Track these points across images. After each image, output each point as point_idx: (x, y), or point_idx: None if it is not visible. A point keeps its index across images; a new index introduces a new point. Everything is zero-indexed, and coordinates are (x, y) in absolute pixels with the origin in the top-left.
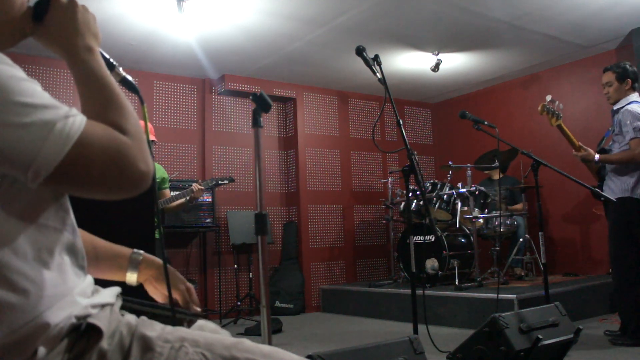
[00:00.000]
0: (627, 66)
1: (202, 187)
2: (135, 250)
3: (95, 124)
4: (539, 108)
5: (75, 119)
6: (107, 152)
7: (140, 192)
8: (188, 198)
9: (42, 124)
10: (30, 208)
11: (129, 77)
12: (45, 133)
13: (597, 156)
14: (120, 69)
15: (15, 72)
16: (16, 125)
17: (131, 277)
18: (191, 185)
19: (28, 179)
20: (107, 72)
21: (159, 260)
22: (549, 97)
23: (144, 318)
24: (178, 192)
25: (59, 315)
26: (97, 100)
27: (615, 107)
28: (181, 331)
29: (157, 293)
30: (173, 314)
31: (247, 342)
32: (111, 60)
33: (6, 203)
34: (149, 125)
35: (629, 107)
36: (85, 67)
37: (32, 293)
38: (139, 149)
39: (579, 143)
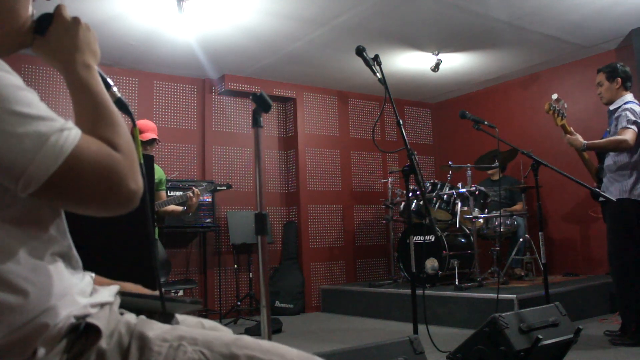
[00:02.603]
0: (618, 65)
1: (198, 195)
2: (88, 273)
3: (90, 139)
4: (546, 106)
5: (70, 133)
6: (98, 168)
7: (129, 210)
8: (185, 208)
9: (36, 135)
10: (25, 214)
11: (124, 99)
12: (38, 145)
13: (584, 142)
14: (116, 89)
15: (13, 81)
16: (10, 135)
17: None
18: (187, 193)
19: (18, 189)
20: (103, 89)
21: (110, 281)
22: (555, 96)
23: (142, 317)
24: (175, 195)
25: (59, 315)
26: (90, 115)
27: (611, 108)
28: (180, 330)
29: None
30: (162, 304)
31: (246, 339)
32: (108, 80)
33: (1, 208)
34: (152, 123)
35: (626, 105)
36: (82, 82)
37: (32, 293)
38: (130, 167)
39: (571, 128)
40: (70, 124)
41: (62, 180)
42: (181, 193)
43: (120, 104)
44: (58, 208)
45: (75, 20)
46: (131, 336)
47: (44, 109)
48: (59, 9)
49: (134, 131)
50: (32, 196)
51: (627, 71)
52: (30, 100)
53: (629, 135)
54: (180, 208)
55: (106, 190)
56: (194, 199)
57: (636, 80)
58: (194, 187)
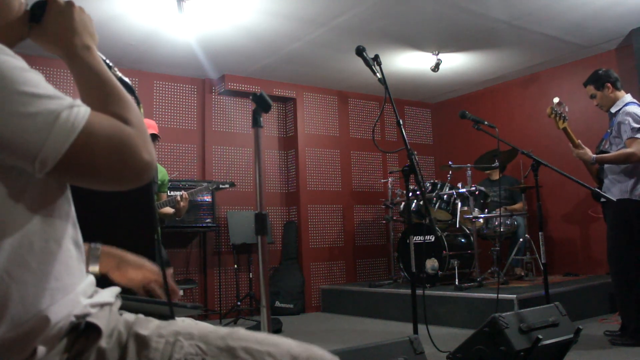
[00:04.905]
0: (600, 72)
1: (186, 199)
2: (93, 244)
3: (100, 114)
4: (548, 111)
5: (79, 109)
6: (111, 141)
7: (144, 182)
8: (174, 211)
9: (47, 113)
10: (38, 199)
11: (126, 79)
12: (50, 122)
13: (593, 156)
14: (117, 69)
15: (18, 63)
16: (22, 115)
17: (93, 269)
18: (175, 197)
19: (35, 169)
20: (106, 68)
21: (116, 251)
22: (556, 100)
23: (140, 316)
24: (166, 199)
25: (60, 313)
26: (97, 94)
27: (612, 110)
28: (175, 325)
29: (123, 279)
30: (171, 309)
31: (241, 331)
32: (107, 61)
33: (14, 193)
34: (152, 121)
35: (627, 108)
36: (84, 64)
37: (32, 286)
38: (142, 139)
39: (578, 141)
40: (79, 101)
41: (77, 156)
42: (172, 195)
43: (121, 83)
44: (74, 184)
45: (69, 4)
46: (129, 334)
47: (52, 88)
48: None
49: (139, 110)
50: (49, 176)
51: (610, 73)
52: (37, 81)
53: (636, 147)
54: (171, 210)
55: (121, 163)
56: (182, 203)
57: (636, 81)
58: (183, 191)
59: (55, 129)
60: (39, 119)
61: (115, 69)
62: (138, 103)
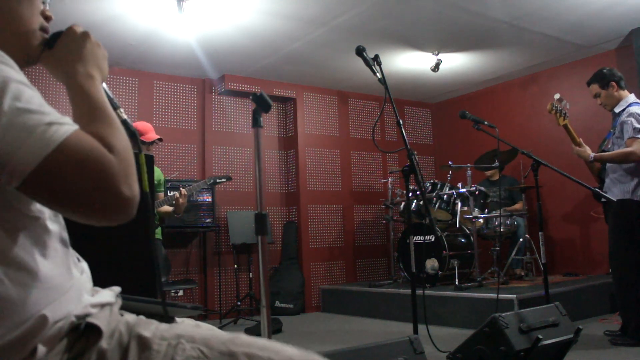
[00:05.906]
0: (605, 71)
1: (185, 195)
2: None
3: (84, 136)
4: (548, 106)
5: (60, 127)
6: (86, 166)
7: (124, 220)
8: (173, 209)
9: (22, 127)
10: (28, 200)
11: (130, 122)
12: (24, 136)
13: (592, 154)
14: (122, 111)
15: (10, 74)
16: None
17: None
18: (174, 194)
19: (3, 181)
20: (105, 99)
21: None
22: (557, 96)
23: (141, 317)
24: (166, 197)
25: (58, 312)
26: (88, 114)
27: (616, 110)
28: (177, 328)
29: None
30: (164, 310)
31: (243, 337)
32: (115, 100)
33: (6, 196)
34: (148, 124)
35: (631, 109)
36: (82, 90)
37: (31, 286)
38: (124, 171)
39: (580, 139)
40: (66, 119)
41: (46, 175)
42: (171, 193)
43: (125, 125)
44: (48, 207)
45: (84, 34)
46: (130, 335)
47: (37, 103)
48: (71, 25)
49: (139, 157)
50: (19, 190)
51: (614, 72)
52: (20, 93)
53: (636, 146)
54: (170, 209)
55: (94, 192)
56: (181, 200)
57: (636, 81)
58: (181, 188)
59: (28, 143)
60: (12, 131)
61: (121, 110)
62: (139, 150)
